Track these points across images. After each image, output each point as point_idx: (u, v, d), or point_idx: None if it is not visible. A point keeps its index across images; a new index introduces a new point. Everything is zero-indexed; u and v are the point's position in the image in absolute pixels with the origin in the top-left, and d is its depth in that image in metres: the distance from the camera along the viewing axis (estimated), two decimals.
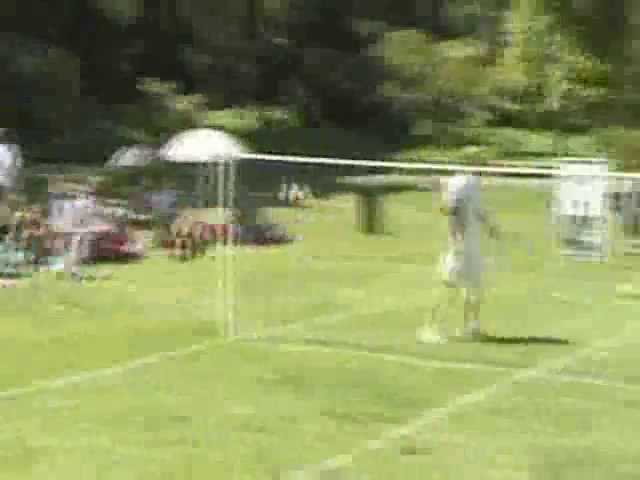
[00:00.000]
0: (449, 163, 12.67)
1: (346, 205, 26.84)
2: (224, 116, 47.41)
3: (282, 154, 12.00)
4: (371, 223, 23.08)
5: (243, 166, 15.98)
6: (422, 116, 44.91)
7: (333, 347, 10.28)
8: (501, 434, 7.35)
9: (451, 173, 11.24)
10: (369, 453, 6.82)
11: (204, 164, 22.33)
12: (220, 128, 30.89)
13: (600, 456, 6.92)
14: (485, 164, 11.51)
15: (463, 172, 11.01)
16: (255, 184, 26.20)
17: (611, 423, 7.69)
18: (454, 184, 10.92)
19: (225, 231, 12.46)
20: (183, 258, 18.08)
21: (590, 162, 20.07)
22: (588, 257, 18.19)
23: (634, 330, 11.86)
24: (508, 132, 46.52)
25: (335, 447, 6.88)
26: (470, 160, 11.20)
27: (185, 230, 18.81)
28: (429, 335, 10.71)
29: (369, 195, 24.18)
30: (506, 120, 46.80)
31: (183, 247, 18.42)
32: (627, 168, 27.32)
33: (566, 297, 13.97)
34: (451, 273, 10.80)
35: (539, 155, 38.26)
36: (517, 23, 36.26)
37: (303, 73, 46.00)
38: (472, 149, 11.51)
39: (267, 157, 12.14)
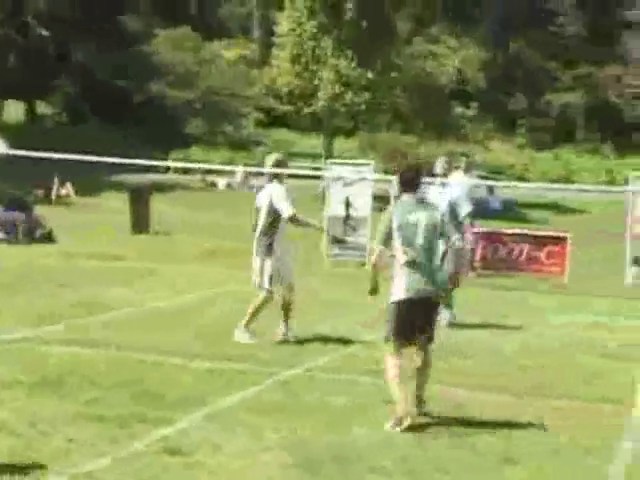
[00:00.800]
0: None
1: (116, 203, 26.42)
2: None
3: (50, 150, 11.62)
4: (141, 222, 22.79)
5: (5, 162, 15.40)
6: (194, 115, 44.76)
7: (97, 348, 10.04)
8: (264, 432, 7.40)
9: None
10: (130, 455, 6.69)
11: None
12: None
13: (361, 451, 7.08)
14: (286, 166, 11.54)
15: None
16: (20, 181, 25.37)
17: (371, 419, 7.88)
18: (281, 189, 10.92)
19: None
20: None
21: (357, 164, 20.64)
22: (354, 257, 18.66)
23: None
24: (280, 133, 47.15)
25: (95, 450, 6.71)
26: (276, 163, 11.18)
27: None
28: (244, 335, 10.76)
29: (140, 194, 23.86)
30: (278, 121, 47.36)
31: None
32: (389, 170, 28.25)
33: (332, 296, 14.27)
34: (270, 277, 10.84)
35: (309, 156, 39.00)
36: (288, 25, 36.67)
37: (73, 68, 44.82)
38: (276, 155, 11.52)
39: (31, 153, 11.74)
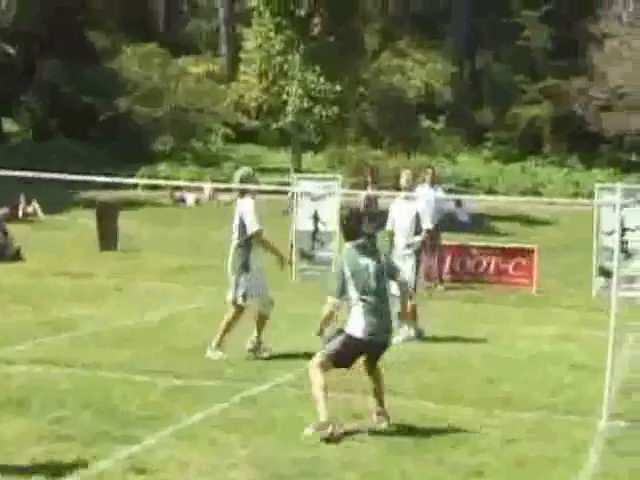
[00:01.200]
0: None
1: (83, 221, 26.30)
2: None
3: (16, 168, 11.54)
4: (108, 239, 22.67)
5: None
6: (162, 131, 44.61)
7: (63, 367, 9.98)
8: (231, 449, 7.39)
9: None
10: (96, 474, 6.66)
11: None
12: None
13: (328, 466, 7.09)
14: (255, 180, 11.57)
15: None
16: None
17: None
18: (250, 203, 10.95)
19: None
20: None
21: (324, 179, 20.67)
22: (321, 271, 18.62)
23: None
24: (248, 148, 47.07)
25: (60, 469, 6.67)
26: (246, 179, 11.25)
27: None
28: (216, 354, 10.78)
29: (107, 211, 23.75)
30: (246, 136, 47.28)
31: None
32: (358, 184, 28.29)
33: (299, 310, 14.24)
34: (244, 293, 10.88)
35: (277, 171, 38.98)
36: (256, 40, 36.67)
37: (39, 85, 44.58)
38: (243, 170, 11.60)
39: None
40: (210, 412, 8.47)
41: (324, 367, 7.98)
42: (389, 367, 10.45)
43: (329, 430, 7.63)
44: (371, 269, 8.03)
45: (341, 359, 8.02)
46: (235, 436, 7.71)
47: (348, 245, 8.23)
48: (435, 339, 12.52)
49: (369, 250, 8.21)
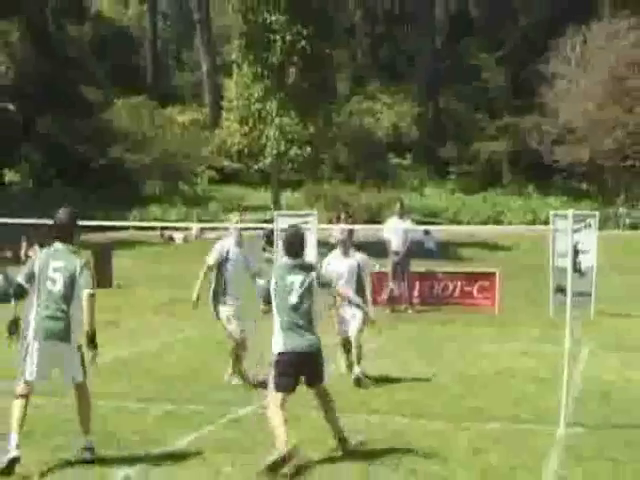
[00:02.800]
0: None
1: None
2: None
3: (17, 215, 11.55)
4: (103, 277, 22.53)
5: None
6: (151, 176, 44.72)
7: (63, 398, 9.90)
8: (220, 467, 7.37)
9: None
10: None
11: None
12: None
13: (310, 478, 7.07)
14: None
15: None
16: None
17: (321, 451, 7.85)
18: (220, 245, 11.22)
19: None
20: None
21: (301, 215, 20.67)
22: None
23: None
24: (231, 189, 47.15)
25: None
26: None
27: None
28: (233, 378, 10.74)
29: (101, 251, 23.69)
30: (229, 178, 47.43)
31: None
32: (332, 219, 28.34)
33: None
34: (237, 324, 10.80)
35: (259, 209, 39.06)
36: (236, 90, 36.84)
37: (37, 138, 44.55)
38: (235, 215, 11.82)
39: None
40: (199, 434, 8.44)
41: (276, 402, 7.56)
42: (364, 386, 10.48)
43: (292, 462, 7.19)
44: (296, 285, 7.65)
45: (282, 382, 7.61)
46: (223, 455, 7.68)
47: (284, 260, 7.87)
48: (407, 359, 12.51)
49: (301, 268, 7.79)
